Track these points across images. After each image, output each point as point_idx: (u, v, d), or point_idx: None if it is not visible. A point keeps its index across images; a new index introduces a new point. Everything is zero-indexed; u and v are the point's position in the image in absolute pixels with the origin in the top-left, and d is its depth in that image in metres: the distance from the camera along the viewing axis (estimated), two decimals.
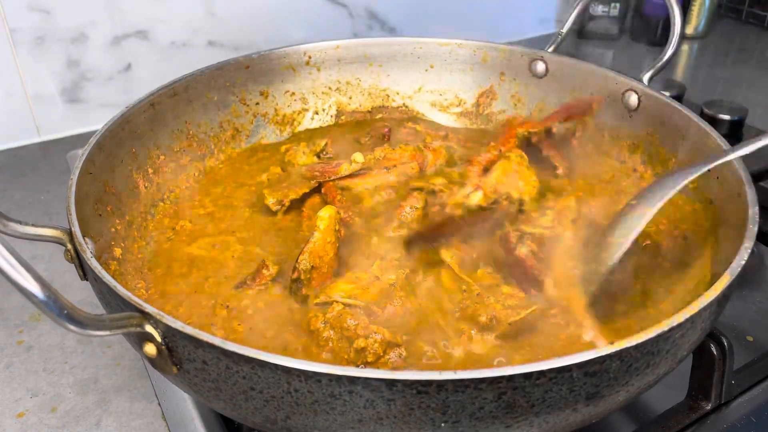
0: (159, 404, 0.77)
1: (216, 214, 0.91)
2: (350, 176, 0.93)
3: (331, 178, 0.93)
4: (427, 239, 0.80)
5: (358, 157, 0.94)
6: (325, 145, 1.05)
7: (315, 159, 1.00)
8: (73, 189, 0.70)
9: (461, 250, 0.79)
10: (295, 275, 0.73)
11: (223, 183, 0.99)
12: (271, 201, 0.89)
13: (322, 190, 0.92)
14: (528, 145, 1.01)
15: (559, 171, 0.97)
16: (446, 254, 0.77)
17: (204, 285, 0.77)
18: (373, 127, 1.10)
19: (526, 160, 0.91)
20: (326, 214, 0.78)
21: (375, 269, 0.76)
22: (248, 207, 0.92)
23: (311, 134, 1.13)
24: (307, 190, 0.91)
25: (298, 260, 0.74)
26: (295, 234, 0.86)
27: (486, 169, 0.94)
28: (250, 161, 1.05)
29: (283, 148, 1.05)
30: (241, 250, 0.83)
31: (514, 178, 0.88)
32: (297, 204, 0.90)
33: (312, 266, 0.74)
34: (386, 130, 1.07)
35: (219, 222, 0.89)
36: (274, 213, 0.89)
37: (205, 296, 0.76)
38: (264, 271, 0.75)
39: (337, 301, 0.70)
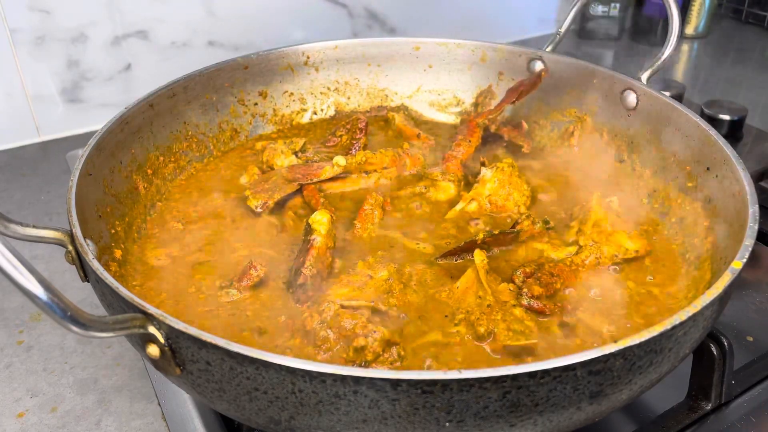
0: (159, 404, 0.77)
1: (202, 215, 0.90)
2: (331, 179, 0.95)
3: (313, 181, 0.94)
4: (454, 254, 0.81)
5: (340, 160, 0.95)
6: (304, 144, 1.05)
7: (294, 158, 1.00)
8: (74, 191, 0.70)
9: (497, 259, 0.79)
10: (301, 280, 0.73)
11: (209, 182, 0.98)
12: (254, 203, 0.89)
13: (304, 192, 0.93)
14: (489, 133, 1.06)
15: (525, 149, 1.04)
16: (479, 256, 0.76)
17: (190, 288, 0.77)
18: (349, 120, 1.10)
19: (517, 168, 0.92)
20: (324, 218, 0.78)
21: (362, 268, 0.77)
22: (231, 207, 0.92)
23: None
24: (290, 192, 0.92)
25: (305, 266, 0.74)
26: (279, 235, 0.86)
27: (464, 164, 0.98)
28: (234, 160, 1.05)
29: (259, 146, 1.05)
30: (226, 251, 0.83)
31: (507, 189, 0.90)
32: (278, 205, 0.91)
33: (317, 271, 0.74)
34: (363, 123, 1.07)
35: (204, 222, 0.89)
36: (258, 214, 0.89)
37: (193, 299, 0.75)
38: (251, 271, 0.75)
39: (343, 306, 0.70)
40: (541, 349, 0.67)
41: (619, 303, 0.74)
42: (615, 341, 0.49)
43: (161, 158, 0.95)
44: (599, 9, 1.83)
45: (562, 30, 1.09)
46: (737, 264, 0.59)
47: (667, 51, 0.96)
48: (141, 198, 0.89)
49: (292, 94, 1.13)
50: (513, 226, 0.83)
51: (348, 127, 1.08)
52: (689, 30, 1.87)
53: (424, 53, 1.16)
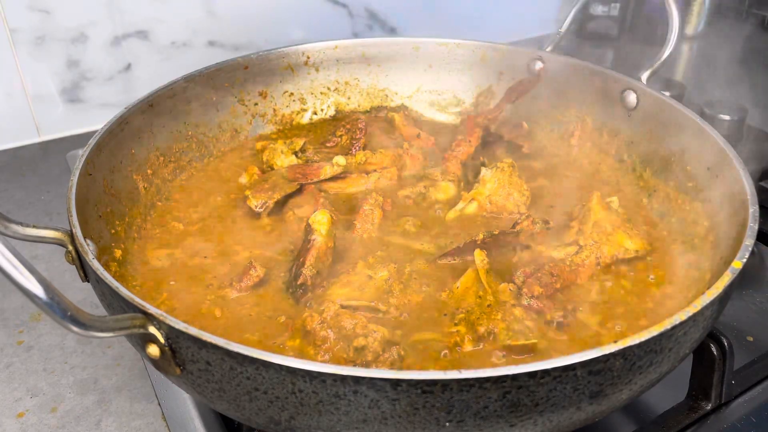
0: (159, 404, 0.77)
1: (202, 215, 0.90)
2: (331, 179, 0.95)
3: (313, 181, 0.94)
4: (454, 255, 0.80)
5: (340, 160, 0.95)
6: (304, 144, 1.05)
7: (294, 158, 1.00)
8: (74, 190, 0.70)
9: (497, 259, 0.79)
10: (301, 281, 0.73)
11: (209, 182, 0.98)
12: (254, 203, 0.89)
13: (304, 192, 0.93)
14: (489, 133, 1.06)
15: (525, 149, 1.05)
16: (479, 256, 0.76)
17: (190, 288, 0.77)
18: (349, 120, 1.10)
19: (517, 168, 0.92)
20: (324, 218, 0.78)
21: (362, 268, 0.77)
22: (231, 208, 0.92)
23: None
24: (289, 192, 0.92)
25: (305, 266, 0.74)
26: (279, 235, 0.86)
27: (464, 164, 0.99)
28: (234, 160, 1.05)
29: (259, 146, 1.05)
30: (226, 251, 0.83)
31: (507, 189, 0.89)
32: (278, 205, 0.90)
33: (317, 271, 0.74)
34: (363, 124, 1.07)
35: (204, 222, 0.89)
36: (258, 214, 0.89)
37: (192, 299, 0.75)
38: (251, 272, 0.75)
39: (343, 306, 0.70)
40: (541, 349, 0.67)
41: (619, 303, 0.74)
42: (615, 341, 0.49)
43: (161, 158, 0.94)
44: (599, 9, 1.83)
45: (562, 30, 1.09)
46: (737, 264, 0.59)
47: (667, 51, 0.96)
48: (141, 198, 0.89)
49: (292, 94, 1.13)
50: (513, 226, 0.83)
51: (348, 127, 1.08)
52: (689, 29, 1.87)
53: (424, 53, 1.16)
